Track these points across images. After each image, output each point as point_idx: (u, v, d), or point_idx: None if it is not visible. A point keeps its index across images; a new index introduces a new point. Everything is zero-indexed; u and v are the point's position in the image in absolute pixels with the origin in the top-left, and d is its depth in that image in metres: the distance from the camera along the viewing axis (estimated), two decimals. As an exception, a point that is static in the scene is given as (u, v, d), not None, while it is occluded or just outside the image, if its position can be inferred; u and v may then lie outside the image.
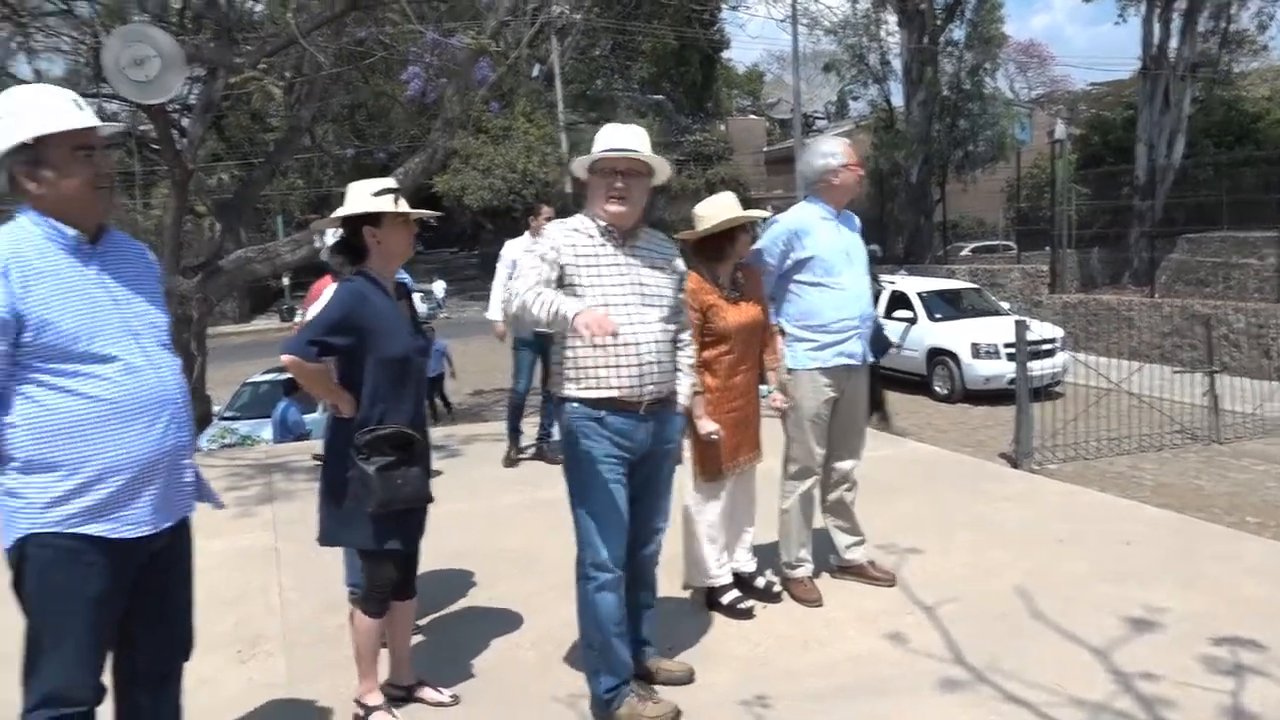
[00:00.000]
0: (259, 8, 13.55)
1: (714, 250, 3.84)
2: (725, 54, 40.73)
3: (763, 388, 4.04)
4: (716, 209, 3.82)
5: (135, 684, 2.44)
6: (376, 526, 2.95)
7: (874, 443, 7.76)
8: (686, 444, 3.78)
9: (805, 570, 4.17)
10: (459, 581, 4.44)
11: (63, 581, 2.20)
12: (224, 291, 10.43)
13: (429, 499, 3.08)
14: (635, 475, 3.15)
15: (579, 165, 3.19)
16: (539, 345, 6.62)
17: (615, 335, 2.84)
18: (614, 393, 3.03)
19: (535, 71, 32.99)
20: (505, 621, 3.99)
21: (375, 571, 3.07)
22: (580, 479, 3.09)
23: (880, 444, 7.71)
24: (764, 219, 4.12)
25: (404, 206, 3.07)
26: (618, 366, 3.02)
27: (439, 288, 32.37)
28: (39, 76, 18.56)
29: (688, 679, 3.38)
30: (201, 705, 3.03)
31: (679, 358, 3.28)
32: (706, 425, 3.72)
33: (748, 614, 3.93)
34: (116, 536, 2.23)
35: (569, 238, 3.08)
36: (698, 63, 37.07)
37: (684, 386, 3.30)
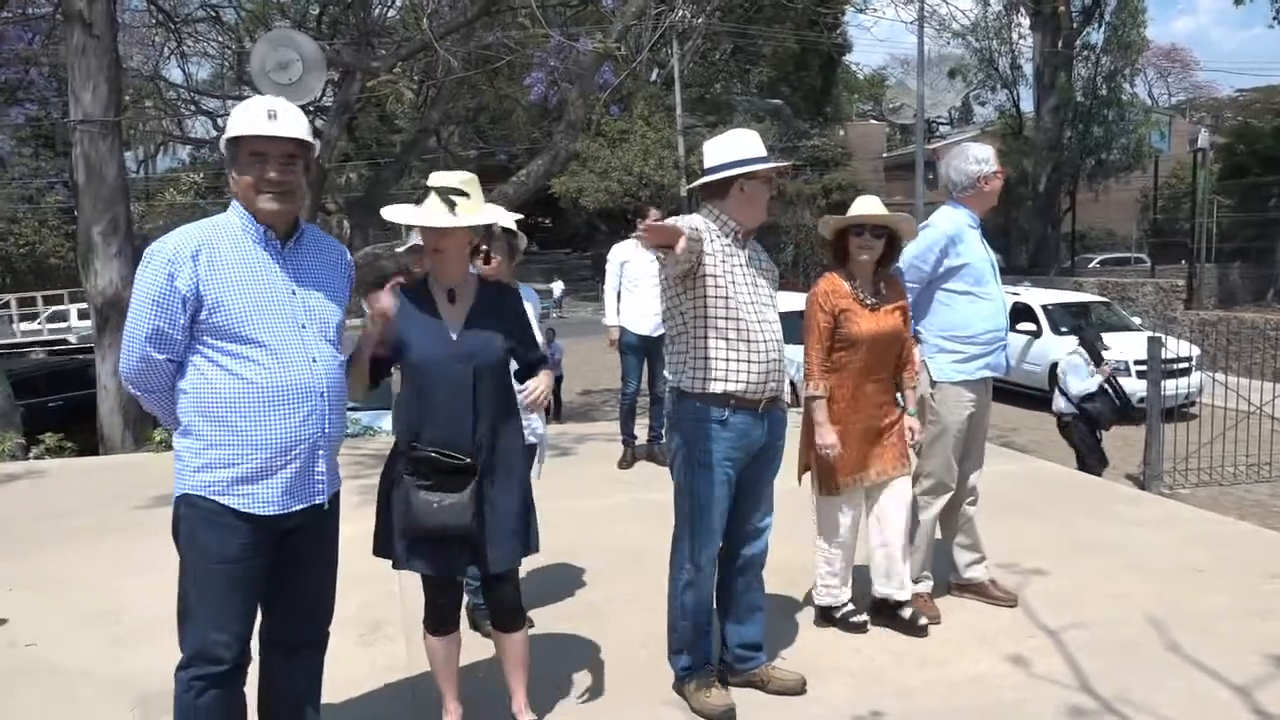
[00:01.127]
0: (392, 13, 14.06)
1: (840, 250, 3.77)
2: (848, 58, 40.17)
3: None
4: (855, 207, 3.75)
5: (271, 650, 2.66)
6: (404, 545, 2.82)
7: (995, 459, 7.53)
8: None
9: (925, 586, 4.06)
10: (570, 578, 4.50)
11: (205, 541, 2.41)
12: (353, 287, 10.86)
13: (465, 529, 2.74)
14: (746, 472, 3.21)
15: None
16: (644, 348, 6.69)
17: (740, 331, 3.08)
18: (739, 387, 3.10)
19: (654, 75, 33.19)
20: (618, 620, 4.01)
21: (425, 589, 2.96)
22: (693, 476, 3.16)
23: (1001, 460, 7.46)
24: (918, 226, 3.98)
25: (465, 217, 2.77)
26: (747, 362, 3.10)
27: (558, 288, 32.89)
28: (188, 79, 19.63)
29: (799, 689, 3.34)
30: (325, 682, 3.14)
31: None
32: (827, 436, 3.64)
33: (860, 628, 3.83)
34: (248, 511, 2.40)
35: (706, 227, 3.15)
36: (818, 67, 36.66)
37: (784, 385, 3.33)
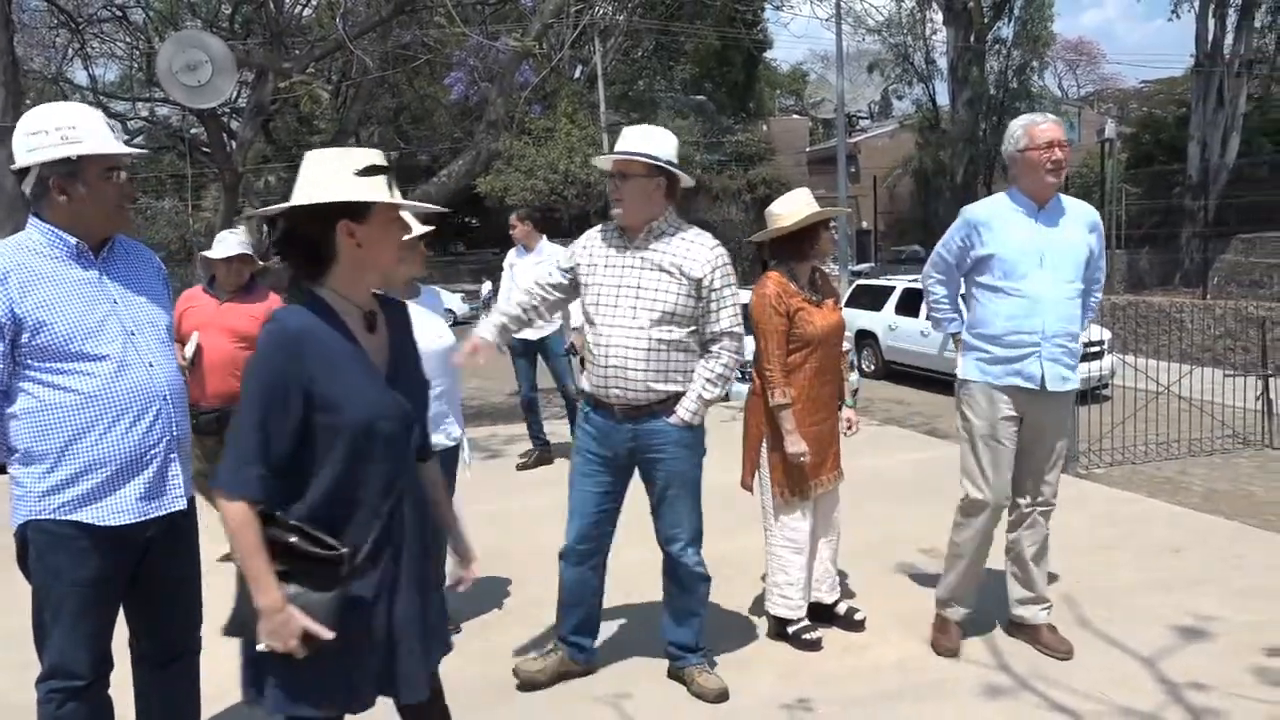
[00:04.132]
0: (307, 12, 13.79)
1: (794, 250, 3.67)
2: (768, 54, 40.58)
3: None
4: (796, 206, 3.66)
5: (141, 665, 2.61)
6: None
7: (903, 444, 7.70)
8: (763, 461, 3.65)
9: (953, 613, 3.66)
10: (495, 583, 4.48)
11: (58, 564, 2.37)
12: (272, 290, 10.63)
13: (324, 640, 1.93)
14: (647, 481, 3.31)
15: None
16: (529, 351, 6.86)
17: (593, 336, 3.21)
18: (589, 387, 3.28)
19: (577, 73, 33.16)
20: (542, 621, 4.01)
21: None
22: (571, 465, 3.37)
23: (909, 446, 7.64)
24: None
25: (398, 196, 2.06)
26: (592, 364, 3.24)
27: (485, 288, 32.63)
28: (94, 81, 19.01)
29: (715, 698, 3.28)
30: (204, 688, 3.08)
31: (695, 365, 3.20)
32: (795, 445, 3.53)
33: (815, 645, 3.67)
34: (104, 524, 2.36)
35: (591, 239, 3.34)
36: (740, 63, 36.96)
37: (688, 397, 3.17)
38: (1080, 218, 3.50)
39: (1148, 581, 4.24)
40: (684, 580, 3.36)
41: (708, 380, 3.19)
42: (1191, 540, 4.82)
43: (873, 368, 15.07)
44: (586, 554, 3.35)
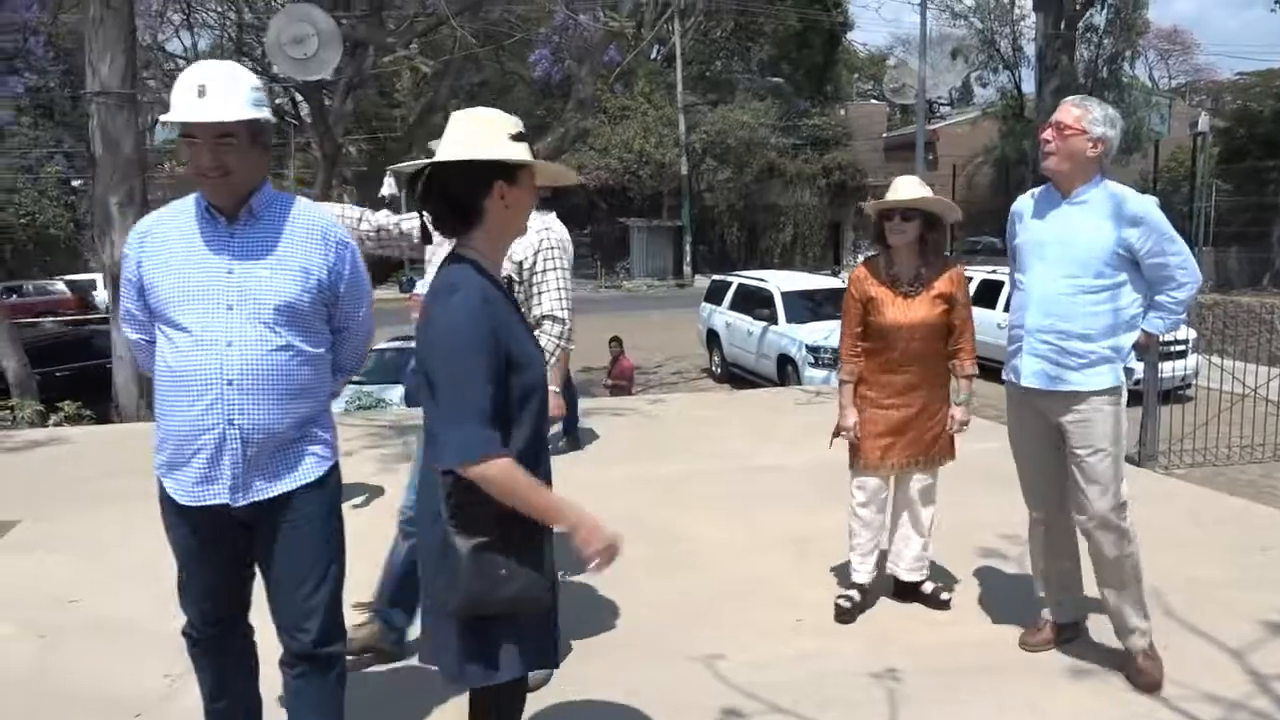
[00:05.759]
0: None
1: (877, 233, 3.78)
2: (850, 36, 40.05)
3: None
4: (891, 189, 3.70)
5: (284, 663, 2.47)
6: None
7: (982, 433, 7.67)
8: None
9: (1045, 613, 3.58)
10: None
11: (165, 519, 2.41)
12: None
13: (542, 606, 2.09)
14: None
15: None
16: None
17: None
18: None
19: (655, 53, 33.13)
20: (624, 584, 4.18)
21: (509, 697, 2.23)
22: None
23: (988, 435, 7.63)
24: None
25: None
26: None
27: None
28: (188, 50, 19.61)
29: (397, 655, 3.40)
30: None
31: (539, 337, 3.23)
32: (843, 418, 3.77)
33: (839, 611, 3.80)
34: (172, 497, 2.35)
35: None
36: (819, 45, 36.59)
37: None
38: (1111, 208, 3.19)
39: (1235, 579, 4.24)
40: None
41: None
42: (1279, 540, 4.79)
43: (946, 359, 14.93)
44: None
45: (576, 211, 45.99)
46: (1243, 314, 16.79)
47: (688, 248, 33.52)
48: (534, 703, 2.97)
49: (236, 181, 2.27)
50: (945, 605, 3.92)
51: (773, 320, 13.19)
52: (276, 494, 2.33)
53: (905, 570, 3.95)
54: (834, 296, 12.89)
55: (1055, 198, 3.30)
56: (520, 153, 2.05)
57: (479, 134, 2.04)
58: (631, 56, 10.96)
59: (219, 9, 17.95)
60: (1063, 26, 23.73)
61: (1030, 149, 25.13)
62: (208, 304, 2.26)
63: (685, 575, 4.32)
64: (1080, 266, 3.20)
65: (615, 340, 12.63)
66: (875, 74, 52.45)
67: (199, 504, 2.30)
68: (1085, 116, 3.19)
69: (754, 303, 14.06)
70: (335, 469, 2.47)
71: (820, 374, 11.43)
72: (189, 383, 2.25)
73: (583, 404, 8.83)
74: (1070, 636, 3.57)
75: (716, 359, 15.16)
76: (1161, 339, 3.25)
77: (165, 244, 2.32)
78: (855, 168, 35.29)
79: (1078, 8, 24.66)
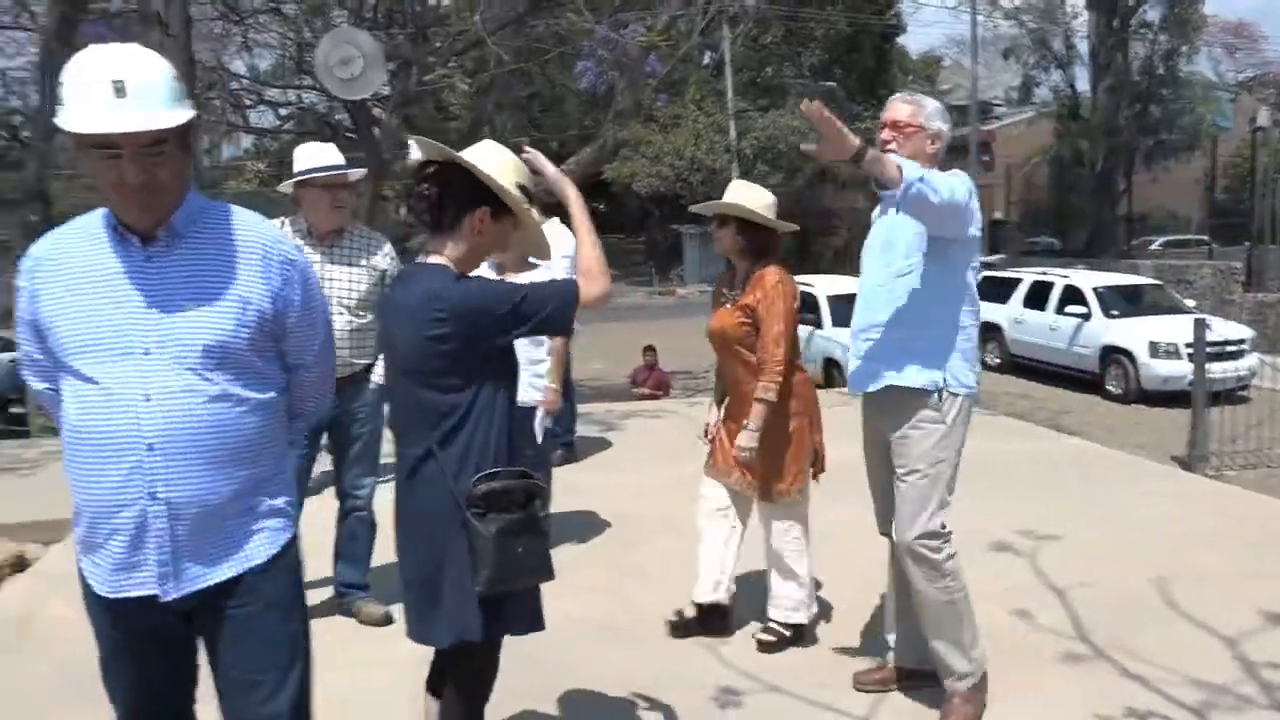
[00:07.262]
0: (445, 1, 14.48)
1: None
2: (900, 39, 39.78)
3: None
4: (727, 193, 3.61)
5: None
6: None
7: (1025, 437, 7.70)
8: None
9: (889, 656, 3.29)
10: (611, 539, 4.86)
11: (84, 599, 1.93)
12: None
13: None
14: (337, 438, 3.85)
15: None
16: None
17: None
18: None
19: (705, 59, 33.30)
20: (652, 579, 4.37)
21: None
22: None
23: (1033, 438, 7.65)
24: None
25: (537, 217, 2.46)
26: None
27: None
28: (250, 70, 20.34)
29: (384, 620, 3.80)
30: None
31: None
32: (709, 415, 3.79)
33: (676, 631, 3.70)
34: (88, 582, 1.88)
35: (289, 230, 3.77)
36: (871, 48, 36.39)
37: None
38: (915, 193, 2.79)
39: (1243, 571, 4.28)
40: (354, 524, 3.91)
41: None
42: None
43: (997, 361, 14.86)
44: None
45: (630, 220, 46.44)
46: (1304, 312, 16.36)
47: (740, 254, 33.46)
48: (546, 681, 3.18)
49: (167, 199, 1.80)
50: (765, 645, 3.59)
51: (818, 324, 13.27)
52: (218, 581, 1.86)
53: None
54: None
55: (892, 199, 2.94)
56: (516, 198, 2.26)
57: (496, 163, 2.26)
58: (670, 67, 11.14)
59: (279, 30, 18.59)
60: (1116, 24, 23.39)
61: (1086, 149, 24.82)
62: (119, 349, 1.78)
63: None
64: (895, 253, 3.00)
65: (649, 349, 12.22)
66: (929, 75, 51.99)
67: (118, 595, 1.83)
68: (920, 113, 2.98)
69: (800, 307, 14.15)
70: (294, 542, 1.99)
71: None
72: (99, 447, 1.78)
73: (620, 406, 9.05)
74: (919, 685, 3.18)
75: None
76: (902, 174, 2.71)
77: (64, 274, 1.82)
78: (909, 170, 34.93)
79: (1130, 4, 24.27)
